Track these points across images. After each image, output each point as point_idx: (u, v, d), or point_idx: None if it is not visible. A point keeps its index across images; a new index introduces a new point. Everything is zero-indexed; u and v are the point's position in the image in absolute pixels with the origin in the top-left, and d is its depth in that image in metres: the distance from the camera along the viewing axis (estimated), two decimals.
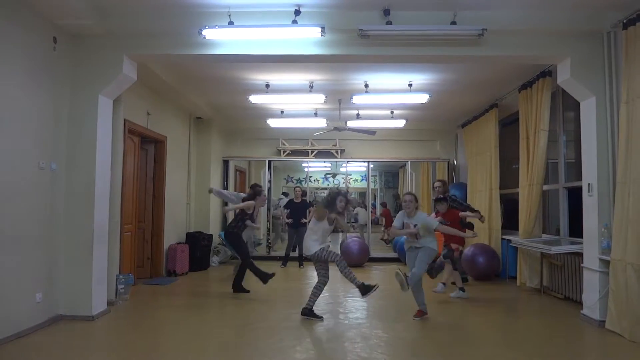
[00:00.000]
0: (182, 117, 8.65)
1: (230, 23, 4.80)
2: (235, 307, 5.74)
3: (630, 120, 4.44)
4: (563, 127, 6.50)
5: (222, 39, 5.03)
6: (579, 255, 5.45)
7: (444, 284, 6.56)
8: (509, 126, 8.10)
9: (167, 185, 7.81)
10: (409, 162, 10.75)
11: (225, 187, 10.16)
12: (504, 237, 7.58)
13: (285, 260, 9.13)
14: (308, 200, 9.60)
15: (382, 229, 12.38)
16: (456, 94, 7.76)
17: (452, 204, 6.64)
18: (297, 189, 9.40)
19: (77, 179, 5.04)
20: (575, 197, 5.92)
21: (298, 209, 8.98)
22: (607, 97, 4.95)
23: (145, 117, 7.00)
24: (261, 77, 6.98)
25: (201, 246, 8.50)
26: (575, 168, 6.14)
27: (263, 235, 10.51)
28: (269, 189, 10.64)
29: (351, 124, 8.99)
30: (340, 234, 11.18)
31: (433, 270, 6.12)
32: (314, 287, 5.31)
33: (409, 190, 11.13)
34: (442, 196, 6.61)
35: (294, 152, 10.94)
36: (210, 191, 8.41)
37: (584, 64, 5.04)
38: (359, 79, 7.03)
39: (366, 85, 7.21)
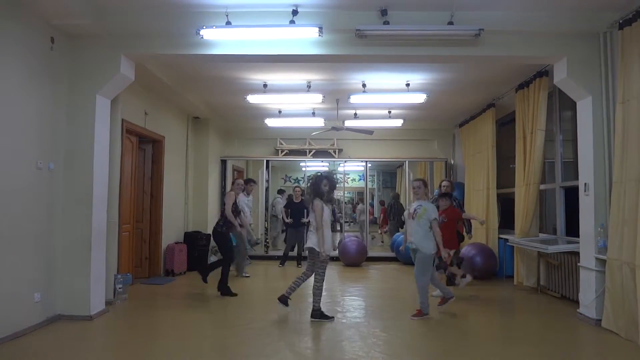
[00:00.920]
0: (179, 116, 8.65)
1: (228, 23, 4.80)
2: (232, 306, 5.74)
3: (626, 120, 4.47)
4: (560, 126, 6.52)
5: (219, 39, 5.03)
6: (576, 254, 5.48)
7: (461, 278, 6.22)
8: (506, 126, 8.13)
9: (165, 185, 7.81)
10: (407, 162, 10.77)
11: (223, 187, 10.16)
12: (501, 236, 7.61)
13: (283, 260, 9.14)
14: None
15: (379, 228, 12.43)
16: (453, 93, 7.78)
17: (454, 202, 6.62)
18: (297, 188, 9.42)
19: (75, 179, 5.04)
20: (571, 196, 5.95)
21: (298, 209, 8.99)
22: (603, 97, 4.98)
23: (143, 116, 7.00)
24: (259, 77, 6.99)
25: (199, 246, 8.49)
26: (572, 168, 6.17)
27: (261, 234, 10.51)
28: (266, 189, 10.65)
29: (349, 123, 9.01)
30: (339, 234, 11.20)
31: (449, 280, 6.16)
32: (297, 278, 5.30)
33: (405, 189, 11.17)
34: (446, 192, 6.45)
35: (291, 152, 10.94)
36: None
37: (580, 64, 5.07)
38: (356, 78, 7.05)
39: (364, 85, 7.22)
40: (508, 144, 7.73)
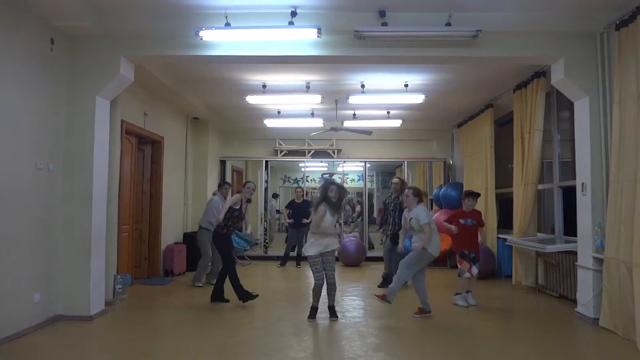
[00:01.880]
0: (179, 117, 8.66)
1: (227, 24, 4.82)
2: (232, 306, 5.75)
3: (622, 120, 4.49)
4: (557, 126, 6.55)
5: (218, 40, 5.05)
6: (573, 253, 5.50)
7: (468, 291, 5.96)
8: (504, 126, 8.16)
9: (164, 186, 7.83)
10: (406, 162, 10.79)
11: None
12: (500, 236, 7.64)
13: (284, 260, 9.14)
14: (309, 200, 9.61)
15: (378, 227, 12.43)
16: (452, 94, 7.81)
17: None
18: (298, 189, 9.45)
19: (75, 180, 5.05)
20: (569, 196, 5.97)
21: (299, 210, 9.00)
22: (600, 97, 5.00)
23: (142, 117, 7.01)
24: (258, 77, 7.01)
25: (198, 246, 8.48)
26: (569, 167, 6.19)
27: (260, 235, 10.52)
28: (265, 189, 10.67)
29: (348, 124, 9.04)
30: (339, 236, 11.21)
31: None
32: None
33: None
34: (473, 192, 6.17)
35: (290, 152, 10.96)
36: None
37: (577, 64, 5.09)
38: (355, 79, 7.07)
39: (362, 86, 7.24)
40: (506, 144, 7.75)
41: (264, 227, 10.61)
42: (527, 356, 4.02)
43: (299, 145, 10.89)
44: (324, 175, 13.19)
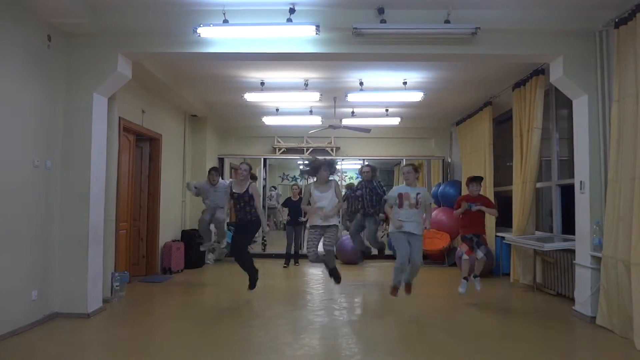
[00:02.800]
0: (177, 115, 8.64)
1: (225, 21, 4.80)
2: (230, 304, 5.76)
3: (621, 119, 4.49)
4: (556, 125, 6.55)
5: (216, 37, 5.03)
6: (572, 252, 5.51)
7: (475, 275, 5.96)
8: (503, 124, 8.15)
9: (162, 183, 7.81)
10: (404, 160, 10.75)
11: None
12: (498, 234, 7.63)
13: (287, 260, 9.05)
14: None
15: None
16: (450, 92, 7.80)
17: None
18: (295, 187, 9.40)
19: (72, 177, 5.04)
20: (568, 194, 5.97)
21: (296, 207, 8.97)
22: (599, 96, 5.00)
23: (140, 115, 6.99)
24: (256, 75, 6.99)
25: (196, 244, 8.49)
26: (568, 166, 6.19)
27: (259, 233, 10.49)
28: (264, 187, 10.65)
29: (346, 121, 9.02)
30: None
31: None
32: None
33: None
34: (477, 177, 6.15)
35: (289, 150, 10.95)
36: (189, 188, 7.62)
37: (576, 62, 5.09)
38: (353, 76, 7.05)
39: (361, 83, 7.23)
40: (505, 142, 7.75)
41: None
42: (525, 354, 4.03)
43: (298, 143, 10.88)
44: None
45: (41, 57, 4.72)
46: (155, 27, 5.05)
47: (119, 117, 6.14)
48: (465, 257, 5.82)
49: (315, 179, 5.71)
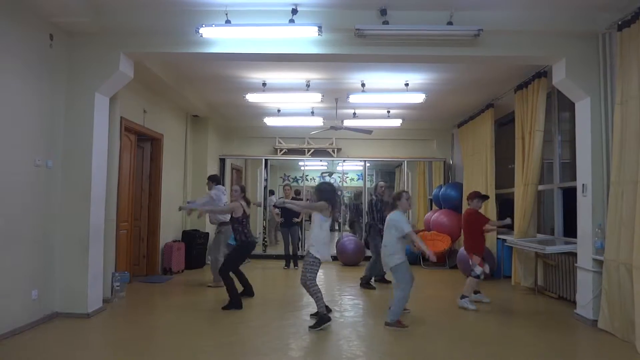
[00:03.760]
0: (178, 115, 8.64)
1: (227, 22, 4.80)
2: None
3: (624, 121, 4.47)
4: (558, 127, 6.53)
5: (219, 38, 5.03)
6: (573, 255, 5.49)
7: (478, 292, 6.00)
8: (505, 126, 8.14)
9: (163, 184, 7.80)
10: (405, 162, 10.78)
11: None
12: (499, 236, 7.62)
13: (287, 262, 9.00)
14: (303, 199, 9.57)
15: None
16: (452, 93, 7.79)
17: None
18: (287, 187, 9.32)
19: (74, 177, 5.03)
20: (569, 197, 5.95)
21: (290, 208, 8.90)
22: (601, 98, 4.98)
23: (141, 114, 6.99)
24: (258, 75, 6.99)
25: (197, 244, 8.50)
26: (570, 168, 6.18)
27: (259, 234, 10.50)
28: (265, 188, 10.65)
29: (348, 123, 9.02)
30: (337, 233, 11.20)
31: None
32: None
33: (405, 188, 11.18)
34: (480, 192, 6.13)
35: (290, 151, 10.95)
36: (180, 209, 7.65)
37: (579, 65, 5.08)
38: (355, 78, 7.05)
39: (363, 85, 7.22)
40: (507, 144, 7.73)
41: (263, 226, 10.60)
42: (526, 357, 4.01)
43: (299, 144, 10.88)
44: (323, 174, 13.19)
45: (43, 57, 4.72)
46: (157, 27, 5.05)
47: (121, 117, 6.14)
48: (478, 271, 5.72)
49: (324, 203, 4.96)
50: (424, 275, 8.20)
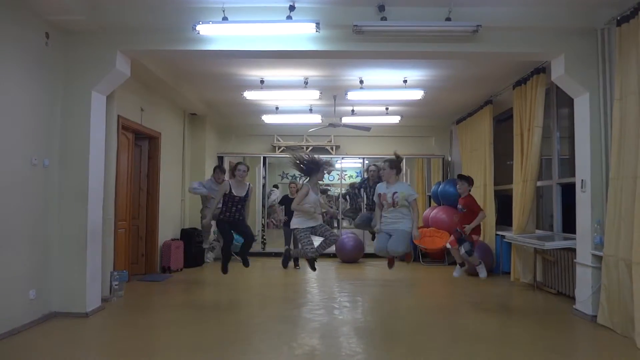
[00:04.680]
0: (176, 113, 8.61)
1: (225, 18, 4.77)
2: (229, 303, 5.74)
3: (623, 117, 4.47)
4: (557, 123, 6.52)
5: (216, 35, 5.00)
6: (572, 250, 5.49)
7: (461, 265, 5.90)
8: (504, 122, 8.13)
9: (161, 182, 7.78)
10: (404, 159, 10.74)
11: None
12: (498, 232, 7.62)
13: (285, 261, 8.88)
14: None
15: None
16: (451, 90, 7.77)
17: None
18: (292, 184, 9.30)
19: (71, 175, 5.01)
20: (568, 193, 5.95)
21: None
22: (600, 94, 4.97)
23: (139, 113, 6.96)
24: (256, 73, 6.96)
25: (196, 243, 8.48)
26: (568, 164, 6.17)
27: (259, 231, 10.49)
28: (263, 185, 10.63)
29: (346, 120, 9.00)
30: (335, 230, 11.19)
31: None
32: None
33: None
34: (465, 176, 6.01)
35: (289, 149, 10.91)
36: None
37: (578, 60, 5.06)
38: (353, 75, 7.02)
39: (361, 82, 7.20)
40: (505, 140, 7.72)
41: (262, 223, 10.58)
42: (525, 353, 4.01)
43: (297, 141, 10.85)
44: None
45: (39, 55, 4.69)
46: (154, 24, 5.02)
47: (118, 115, 6.11)
48: (448, 246, 5.81)
49: (307, 179, 5.48)
50: (422, 271, 8.21)
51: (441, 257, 9.00)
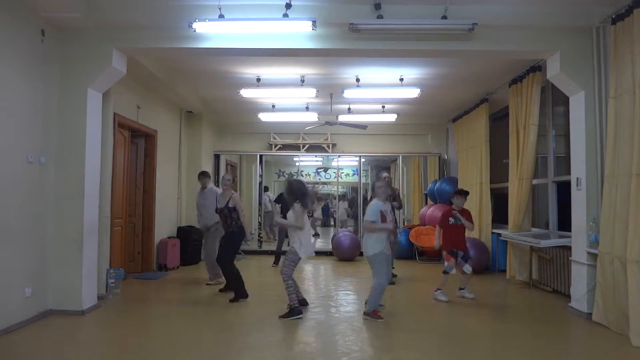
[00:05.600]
0: (172, 111, 8.59)
1: (221, 16, 4.75)
2: (225, 301, 5.72)
3: (618, 115, 4.49)
4: (552, 121, 6.55)
5: (212, 32, 4.99)
6: (568, 248, 5.51)
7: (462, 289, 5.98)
8: (500, 121, 8.15)
9: (157, 180, 7.77)
10: (400, 157, 10.79)
11: (216, 182, 10.04)
12: (494, 230, 7.65)
13: (277, 259, 8.88)
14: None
15: None
16: (447, 88, 7.79)
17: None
18: None
19: (67, 173, 5.00)
20: (564, 191, 5.97)
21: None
22: (595, 92, 5.00)
23: (135, 110, 6.94)
24: (252, 71, 6.95)
25: (192, 240, 8.47)
26: (564, 162, 6.19)
27: (255, 229, 10.48)
28: (260, 184, 10.62)
29: (342, 118, 9.00)
30: (332, 228, 11.21)
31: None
32: None
33: (400, 183, 11.19)
34: (463, 189, 6.21)
35: (285, 147, 10.92)
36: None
37: (573, 58, 5.08)
38: (350, 73, 7.03)
39: (357, 80, 7.20)
40: (501, 138, 7.74)
41: (258, 222, 10.58)
42: (521, 351, 4.03)
43: (294, 139, 10.85)
44: (318, 170, 13.17)
45: (34, 52, 4.66)
46: (150, 21, 5.01)
47: (114, 113, 6.10)
48: (454, 271, 5.83)
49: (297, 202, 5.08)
50: (418, 270, 8.23)
51: (437, 255, 9.01)
